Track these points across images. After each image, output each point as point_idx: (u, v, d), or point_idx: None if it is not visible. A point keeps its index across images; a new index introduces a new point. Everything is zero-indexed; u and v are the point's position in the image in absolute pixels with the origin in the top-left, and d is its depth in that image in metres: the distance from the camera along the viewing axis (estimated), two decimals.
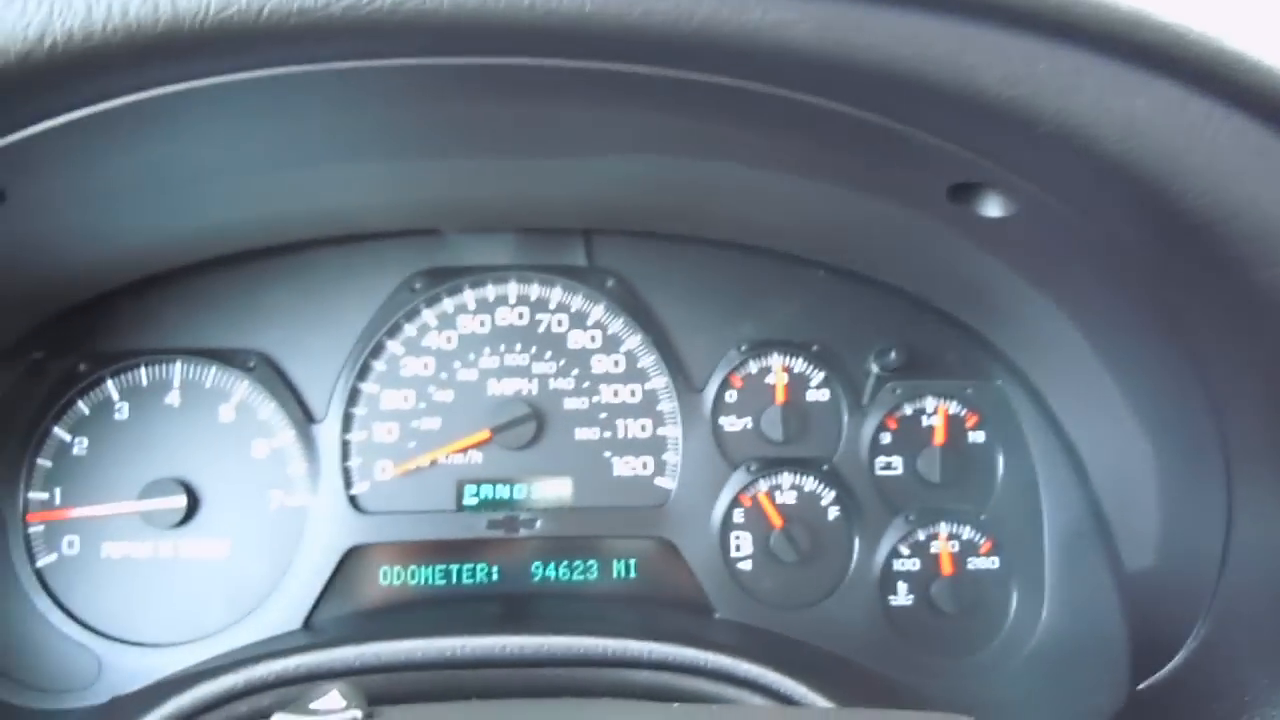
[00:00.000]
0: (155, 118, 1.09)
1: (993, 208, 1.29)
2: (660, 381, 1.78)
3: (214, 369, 1.72)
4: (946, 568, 1.76)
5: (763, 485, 1.77)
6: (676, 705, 1.15)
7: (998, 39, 0.96)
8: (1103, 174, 1.03)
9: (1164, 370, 1.39)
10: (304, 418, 1.71)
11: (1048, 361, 1.71)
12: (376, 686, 1.35)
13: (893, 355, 1.75)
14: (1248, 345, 1.16)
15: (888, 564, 1.76)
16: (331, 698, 1.07)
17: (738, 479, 1.76)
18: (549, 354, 1.77)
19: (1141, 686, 1.52)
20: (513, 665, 1.38)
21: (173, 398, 1.71)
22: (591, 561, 1.74)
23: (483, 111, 1.25)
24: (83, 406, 1.70)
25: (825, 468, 1.78)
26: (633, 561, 1.74)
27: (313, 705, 1.06)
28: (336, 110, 1.21)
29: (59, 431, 1.69)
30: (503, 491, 1.74)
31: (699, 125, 1.25)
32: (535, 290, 1.79)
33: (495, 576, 1.73)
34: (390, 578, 1.71)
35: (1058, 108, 0.98)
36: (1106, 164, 1.01)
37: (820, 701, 1.31)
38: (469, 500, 1.74)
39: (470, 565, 1.73)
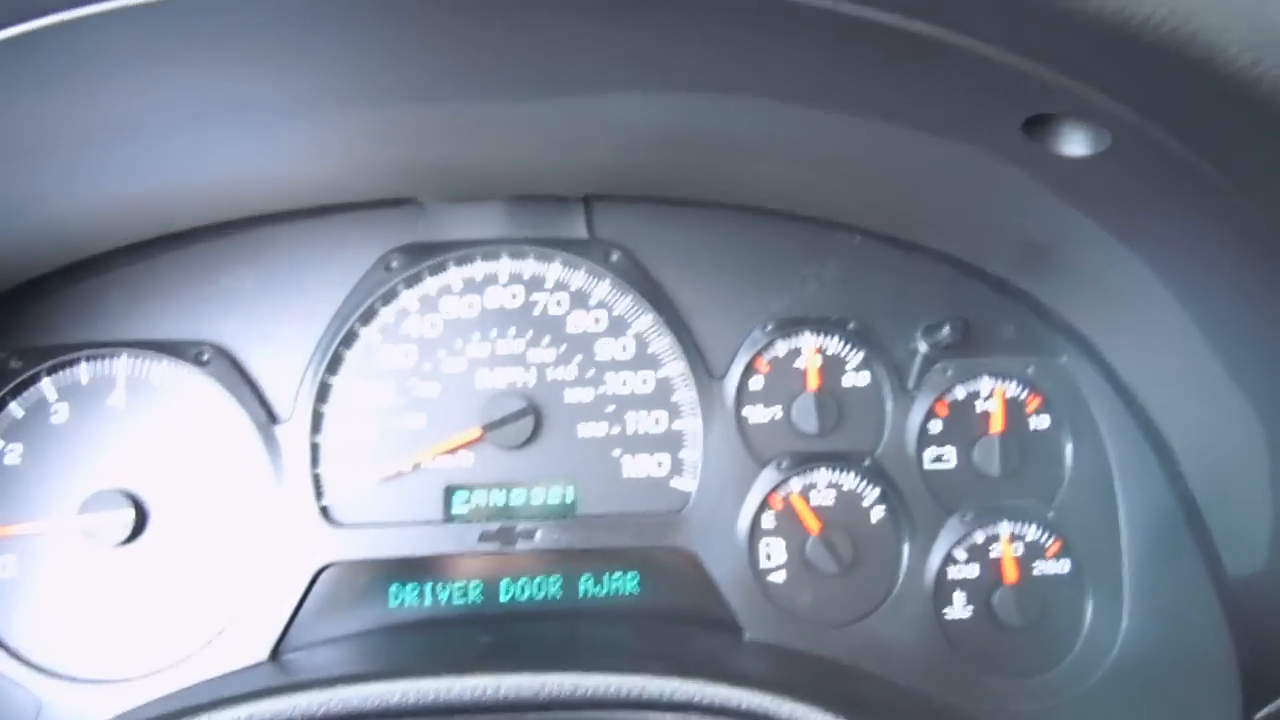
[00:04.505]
0: (75, 49, 0.97)
1: (1076, 144, 1.15)
2: (675, 368, 1.66)
3: (163, 363, 1.61)
4: (1010, 574, 1.65)
5: (796, 485, 1.65)
6: None
7: None
8: (1222, 95, 0.89)
9: None
10: (266, 417, 1.60)
11: (1127, 332, 1.58)
12: None
13: (945, 331, 1.61)
14: None
15: (942, 572, 1.65)
16: None
17: (767, 478, 1.64)
18: (547, 339, 1.66)
19: (1258, 717, 1.40)
20: (509, 709, 1.23)
21: (117, 397, 1.61)
22: (599, 577, 1.63)
23: (468, 38, 1.11)
24: (15, 409, 1.59)
25: (867, 463, 1.66)
26: (648, 576, 1.63)
27: None
28: (292, 41, 1.08)
29: None
30: (497, 498, 1.63)
31: (728, 50, 1.12)
32: (530, 267, 1.67)
33: (488, 596, 1.61)
34: (368, 600, 1.60)
35: (1170, 9, 0.82)
36: (1228, 81, 0.87)
37: None
38: (459, 509, 1.62)
39: (460, 584, 1.61)
